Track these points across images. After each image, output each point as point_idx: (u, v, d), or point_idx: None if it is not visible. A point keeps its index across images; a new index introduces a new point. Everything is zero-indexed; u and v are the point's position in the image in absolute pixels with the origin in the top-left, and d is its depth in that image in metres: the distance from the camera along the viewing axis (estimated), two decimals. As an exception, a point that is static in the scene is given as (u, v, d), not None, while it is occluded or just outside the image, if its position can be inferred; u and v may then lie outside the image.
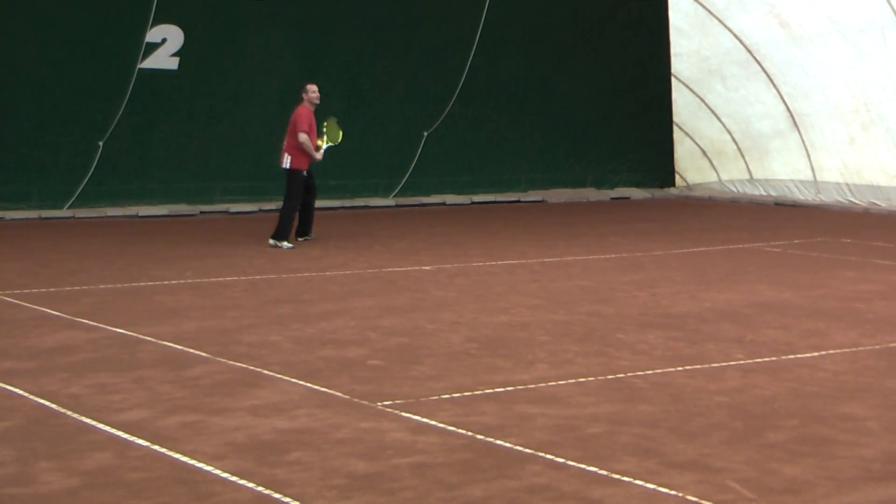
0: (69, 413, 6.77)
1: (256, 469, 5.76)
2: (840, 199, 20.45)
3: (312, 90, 14.46)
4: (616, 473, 5.73)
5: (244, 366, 7.98)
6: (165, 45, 18.25)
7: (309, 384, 7.48)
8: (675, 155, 23.29)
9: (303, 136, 14.15)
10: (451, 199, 20.65)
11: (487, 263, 13.27)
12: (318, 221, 15.15)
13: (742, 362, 8.28)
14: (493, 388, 7.42)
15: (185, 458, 5.93)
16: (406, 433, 6.40)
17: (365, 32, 19.96)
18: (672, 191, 23.05)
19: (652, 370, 7.98)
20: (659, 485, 5.57)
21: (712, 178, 23.05)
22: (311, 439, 6.27)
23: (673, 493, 5.46)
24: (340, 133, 14.93)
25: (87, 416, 6.68)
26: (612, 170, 22.61)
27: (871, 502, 5.40)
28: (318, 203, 18.54)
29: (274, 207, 18.74)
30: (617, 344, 8.84)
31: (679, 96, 22.68)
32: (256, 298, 10.75)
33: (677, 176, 23.43)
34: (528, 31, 21.41)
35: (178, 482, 5.57)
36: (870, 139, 19.87)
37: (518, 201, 21.17)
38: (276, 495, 5.39)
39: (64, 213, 17.65)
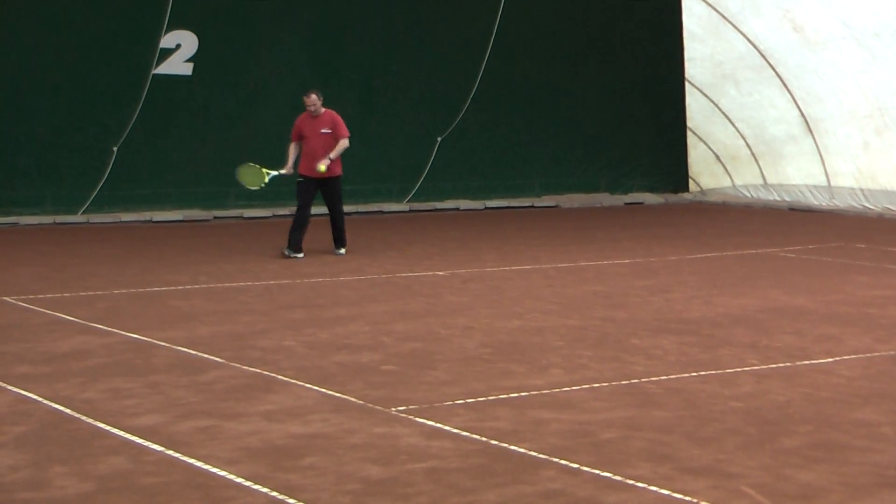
0: (83, 418, 6.78)
1: (270, 474, 5.77)
2: (854, 204, 20.40)
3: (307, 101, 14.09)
4: (630, 479, 5.73)
5: (258, 371, 7.99)
6: (180, 51, 18.31)
7: (323, 389, 7.49)
8: (689, 160, 23.25)
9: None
10: (464, 204, 20.65)
11: (501, 268, 13.27)
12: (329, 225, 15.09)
13: (756, 368, 8.26)
14: (507, 394, 7.42)
15: (199, 463, 5.94)
16: (420, 438, 6.40)
17: (379, 36, 20.00)
18: (686, 196, 23.01)
19: (666, 375, 7.97)
20: (673, 490, 5.56)
21: (726, 182, 23.01)
22: (326, 444, 6.27)
23: (687, 498, 5.45)
24: (248, 178, 14.75)
25: (102, 421, 6.70)
26: (625, 174, 22.59)
27: (887, 508, 5.39)
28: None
29: (288, 213, 18.82)
30: (631, 349, 8.83)
31: (693, 101, 22.65)
32: (270, 303, 10.76)
33: (691, 181, 23.39)
34: (541, 36, 21.41)
35: (193, 487, 5.58)
36: (884, 144, 19.82)
37: (532, 206, 21.16)
38: (291, 500, 5.40)
39: (78, 217, 17.70)
